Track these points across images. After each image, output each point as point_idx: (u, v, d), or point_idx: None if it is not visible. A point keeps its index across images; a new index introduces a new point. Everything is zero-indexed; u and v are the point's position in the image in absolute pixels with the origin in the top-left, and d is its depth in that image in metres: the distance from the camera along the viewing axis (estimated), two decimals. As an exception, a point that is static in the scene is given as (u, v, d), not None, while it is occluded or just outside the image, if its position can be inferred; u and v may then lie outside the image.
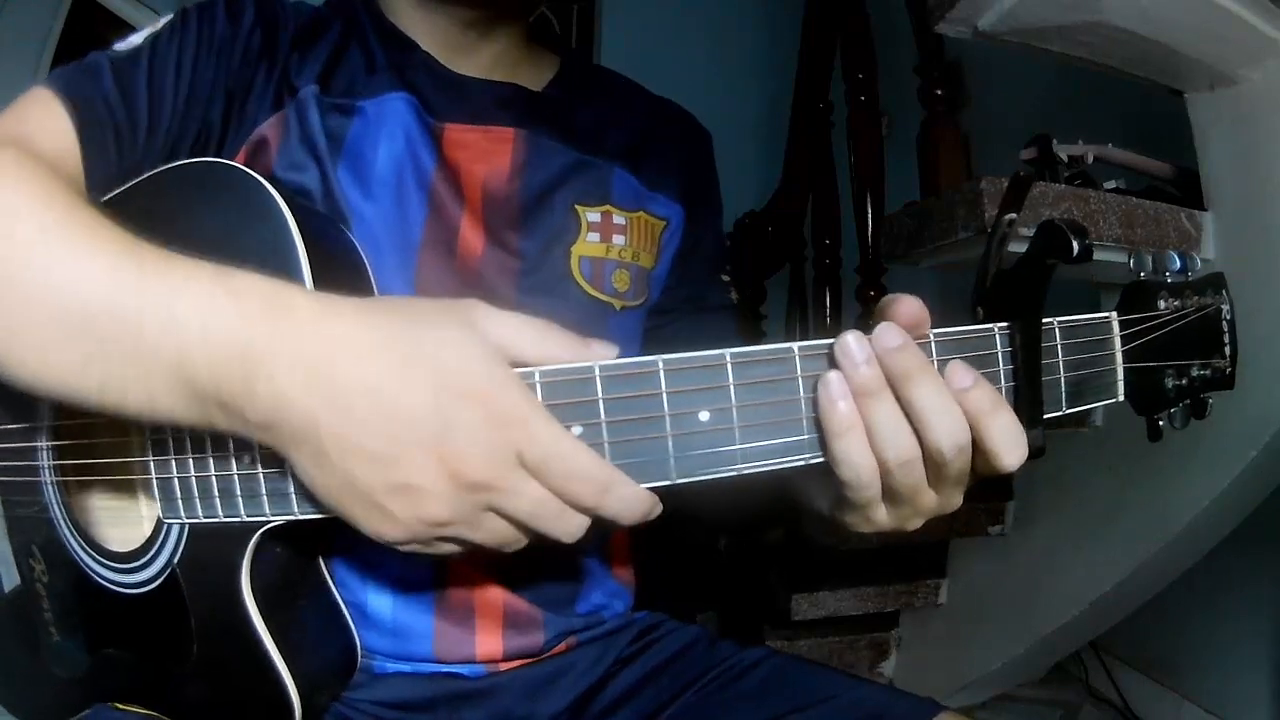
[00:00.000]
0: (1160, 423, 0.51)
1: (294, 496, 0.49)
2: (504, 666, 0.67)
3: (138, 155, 0.60)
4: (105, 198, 0.59)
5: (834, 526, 0.52)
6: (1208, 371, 0.50)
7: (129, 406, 0.46)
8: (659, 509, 0.45)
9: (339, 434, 0.42)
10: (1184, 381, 0.50)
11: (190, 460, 0.53)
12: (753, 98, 3.13)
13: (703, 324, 0.76)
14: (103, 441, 0.58)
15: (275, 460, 0.46)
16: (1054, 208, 1.17)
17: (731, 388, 0.44)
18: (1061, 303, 0.47)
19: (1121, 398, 0.50)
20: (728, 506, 0.70)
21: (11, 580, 0.68)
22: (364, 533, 0.45)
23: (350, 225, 0.63)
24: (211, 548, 0.54)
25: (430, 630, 0.64)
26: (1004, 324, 0.46)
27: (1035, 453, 0.45)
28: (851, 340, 0.43)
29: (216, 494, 0.52)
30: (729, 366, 0.44)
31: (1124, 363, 0.49)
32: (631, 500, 0.44)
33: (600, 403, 0.43)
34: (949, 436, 0.43)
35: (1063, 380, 0.47)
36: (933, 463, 0.44)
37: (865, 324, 0.45)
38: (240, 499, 0.51)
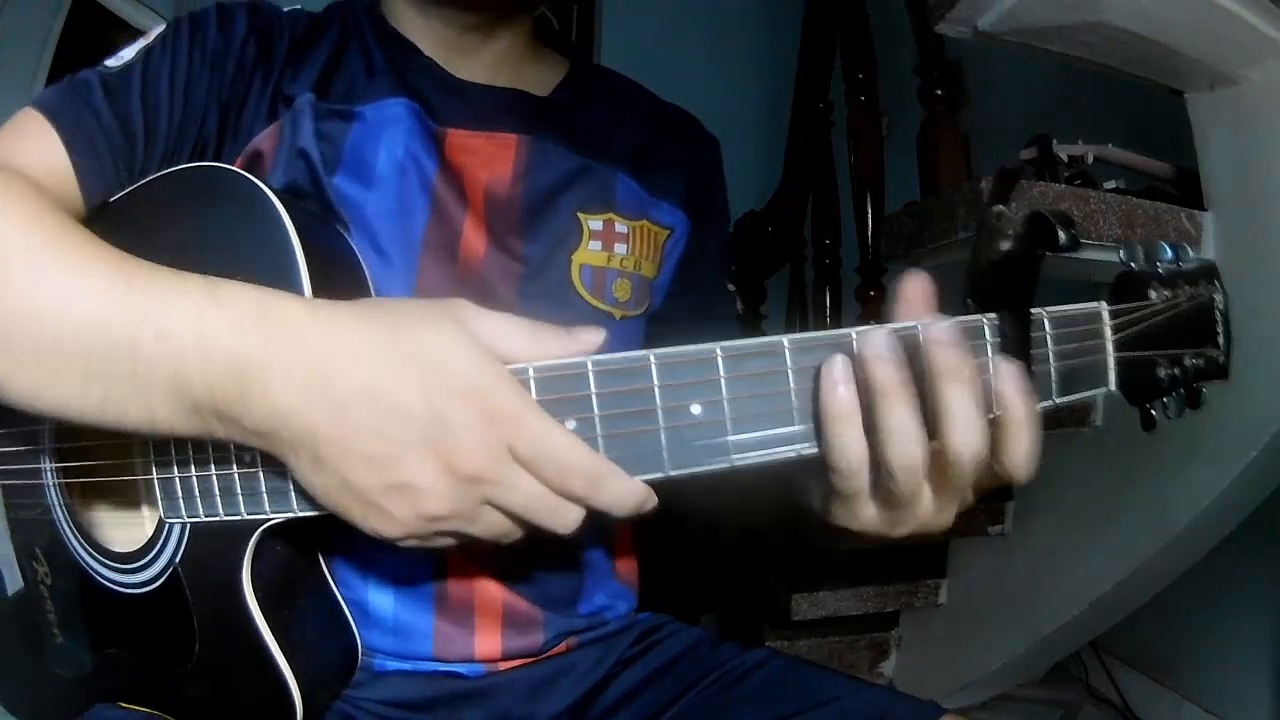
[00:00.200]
0: (1153, 412, 0.51)
1: (294, 494, 0.49)
2: (503, 666, 0.67)
3: (135, 171, 0.60)
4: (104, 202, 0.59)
5: (826, 526, 0.51)
6: (1201, 361, 0.50)
7: (129, 422, 0.46)
8: (653, 501, 0.45)
9: (335, 438, 0.43)
10: (1176, 371, 0.50)
11: (191, 461, 0.53)
12: (753, 98, 3.13)
13: (706, 334, 0.74)
14: (104, 443, 0.59)
15: (275, 459, 0.46)
16: (1054, 208, 1.17)
17: (722, 381, 0.44)
18: (1061, 302, 0.48)
19: (1113, 387, 0.50)
20: (737, 515, 0.69)
21: (14, 582, 0.68)
22: (363, 531, 0.45)
23: (350, 230, 0.63)
24: (213, 546, 0.54)
25: (430, 629, 0.64)
26: (994, 315, 0.47)
27: None
28: (884, 338, 0.42)
29: (217, 493, 0.52)
30: (719, 360, 0.44)
31: (1115, 352, 0.49)
32: (624, 492, 0.44)
33: (593, 398, 0.44)
34: (969, 446, 0.42)
35: (1053, 370, 0.47)
36: (943, 467, 0.43)
37: (865, 324, 0.45)
38: (241, 497, 0.51)
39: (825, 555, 1.71)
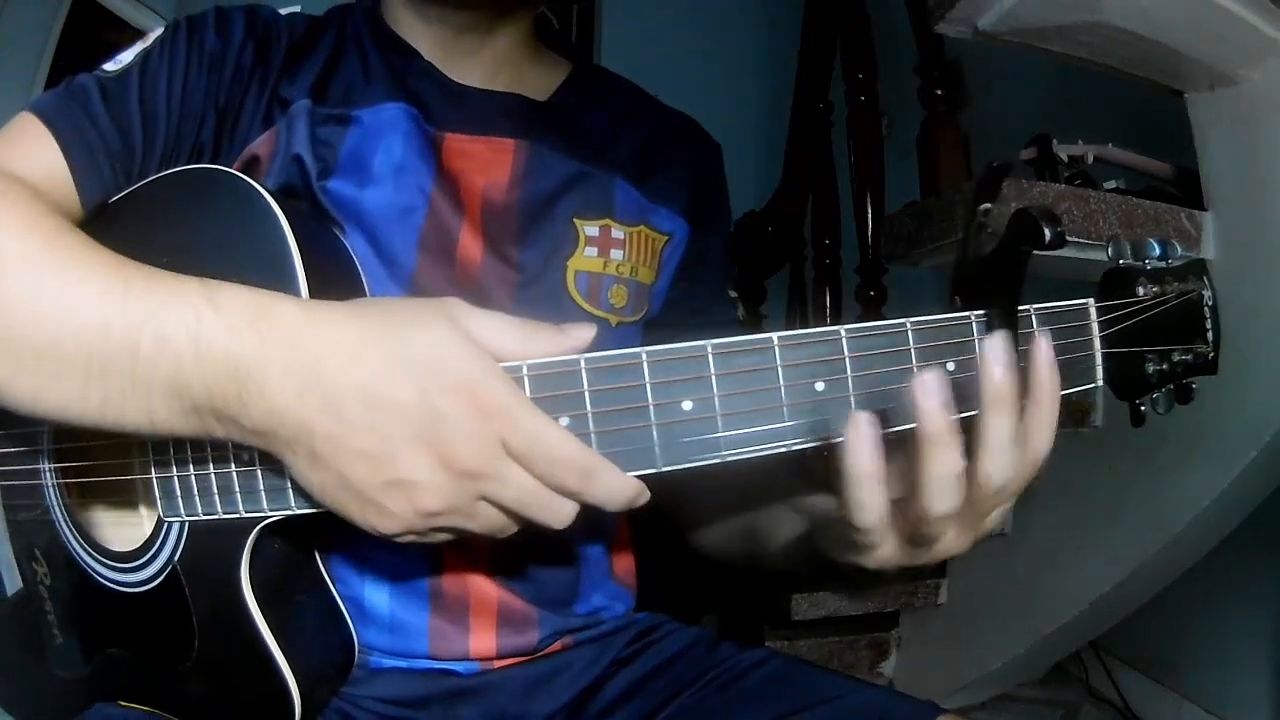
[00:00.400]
0: (1143, 408, 0.51)
1: (291, 492, 0.49)
2: (498, 665, 0.67)
3: (133, 175, 0.61)
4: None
5: (838, 567, 0.52)
6: (1190, 356, 0.50)
7: (128, 424, 0.47)
8: (645, 496, 0.46)
9: (332, 436, 0.43)
10: (1165, 366, 0.50)
11: (190, 460, 0.53)
12: (753, 98, 3.13)
13: (706, 339, 0.74)
14: (103, 444, 0.59)
15: (273, 457, 0.47)
16: (1054, 207, 1.17)
17: (713, 378, 0.45)
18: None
19: (1101, 382, 0.50)
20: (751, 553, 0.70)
21: (14, 583, 0.68)
22: (360, 528, 0.46)
23: (346, 233, 0.63)
24: (211, 545, 0.55)
25: (426, 627, 0.65)
26: (981, 312, 0.47)
27: None
28: (937, 383, 0.41)
29: (215, 491, 0.52)
30: (710, 357, 0.45)
31: (1102, 348, 0.49)
32: (616, 487, 0.45)
33: (586, 394, 0.45)
34: (1001, 472, 0.43)
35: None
36: (970, 494, 0.43)
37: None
38: (239, 495, 0.51)
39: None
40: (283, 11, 0.71)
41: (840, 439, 0.45)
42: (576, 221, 0.69)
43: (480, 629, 0.65)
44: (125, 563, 0.60)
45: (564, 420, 0.45)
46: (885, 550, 0.46)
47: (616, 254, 0.69)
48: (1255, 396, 1.13)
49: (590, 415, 0.45)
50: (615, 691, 0.69)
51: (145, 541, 0.58)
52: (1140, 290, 0.49)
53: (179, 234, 0.55)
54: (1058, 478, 1.51)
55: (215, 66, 0.64)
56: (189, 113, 0.63)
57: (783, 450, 0.46)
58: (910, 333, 0.46)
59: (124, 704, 0.62)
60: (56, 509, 0.64)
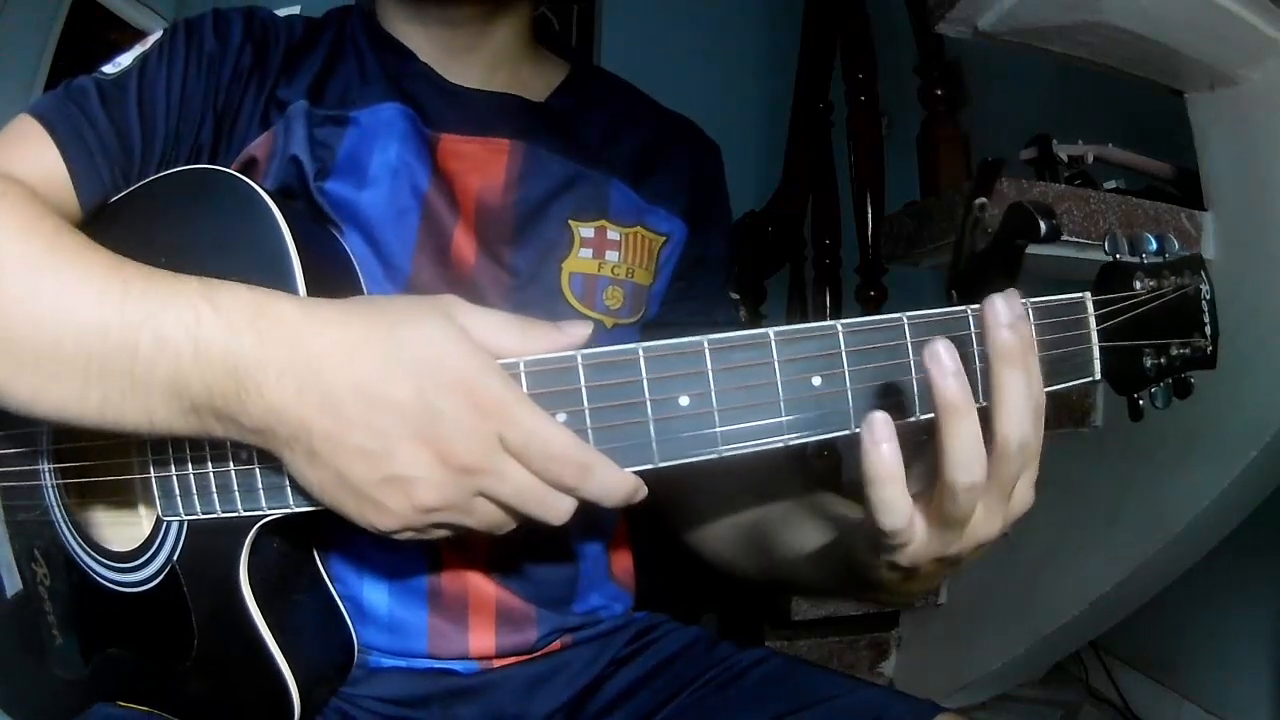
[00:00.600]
0: (1141, 403, 0.51)
1: (289, 490, 0.50)
2: (497, 664, 0.67)
3: (131, 177, 0.61)
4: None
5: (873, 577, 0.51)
6: (1187, 350, 0.50)
7: (127, 423, 0.47)
8: (643, 492, 0.46)
9: (329, 433, 0.44)
10: (1163, 361, 0.50)
11: (188, 459, 0.53)
12: (753, 98, 3.13)
13: None
14: (102, 444, 0.59)
15: (271, 455, 0.47)
16: (1054, 207, 1.16)
17: (710, 373, 0.45)
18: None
19: (1098, 376, 0.50)
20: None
21: (14, 584, 0.68)
22: (359, 525, 0.46)
23: (343, 233, 0.63)
24: (210, 544, 0.55)
25: (425, 626, 0.65)
26: (977, 305, 0.47)
27: None
28: (948, 351, 0.41)
29: (214, 490, 0.52)
30: (707, 353, 0.45)
31: (1099, 341, 0.49)
32: (614, 482, 0.45)
33: (583, 390, 0.45)
34: (1019, 429, 0.42)
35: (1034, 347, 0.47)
36: (992, 460, 0.43)
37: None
38: (238, 494, 0.51)
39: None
40: (282, 13, 0.71)
41: (842, 433, 0.45)
42: (572, 223, 0.69)
43: (479, 628, 0.65)
44: (124, 563, 0.60)
45: (561, 416, 0.45)
46: (917, 544, 0.45)
47: (612, 255, 0.69)
48: (1255, 396, 1.13)
49: (587, 411, 0.45)
50: (614, 691, 0.69)
51: (144, 541, 0.58)
52: (1137, 284, 0.49)
53: (178, 234, 0.55)
54: (1058, 478, 1.51)
55: (213, 68, 0.64)
56: (188, 114, 0.63)
57: (780, 445, 0.46)
58: (907, 327, 0.46)
59: (123, 704, 0.62)
60: (56, 509, 0.64)
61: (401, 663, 0.65)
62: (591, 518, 0.65)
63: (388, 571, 0.64)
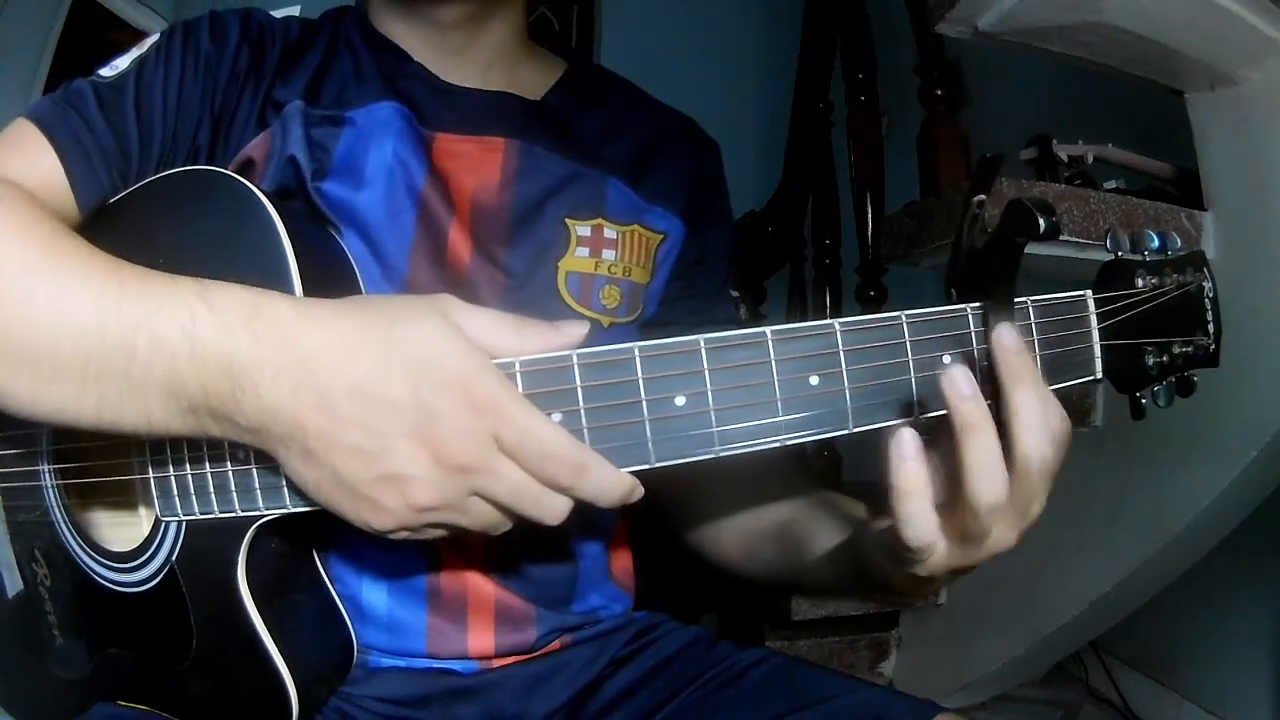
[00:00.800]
0: (1143, 401, 0.51)
1: (286, 490, 0.50)
2: (497, 663, 0.67)
3: (130, 179, 0.61)
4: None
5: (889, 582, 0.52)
6: (1190, 349, 0.50)
7: (125, 425, 0.47)
8: (639, 492, 0.46)
9: (324, 432, 0.44)
10: (1165, 359, 0.50)
11: (186, 459, 0.53)
12: (753, 98, 3.13)
13: None
14: (101, 445, 0.59)
15: (268, 456, 0.47)
16: (1054, 207, 1.16)
17: (706, 373, 0.45)
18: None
19: (1099, 375, 0.50)
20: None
21: (14, 585, 0.68)
22: (354, 524, 0.46)
23: (341, 234, 0.63)
24: (208, 544, 0.55)
25: (424, 626, 0.65)
26: (976, 304, 0.46)
27: None
28: (964, 376, 0.42)
29: (212, 490, 0.52)
30: (703, 352, 0.45)
31: (1100, 340, 0.49)
32: (609, 482, 0.45)
33: (579, 390, 0.45)
34: (1037, 449, 0.43)
35: (1038, 358, 0.47)
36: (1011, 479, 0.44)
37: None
38: (235, 494, 0.52)
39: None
40: (281, 13, 0.71)
41: (840, 433, 0.45)
42: (568, 221, 0.69)
43: (478, 628, 0.65)
44: (124, 563, 0.60)
45: (556, 416, 0.45)
46: (937, 557, 0.46)
47: (608, 254, 0.69)
48: (1255, 396, 1.13)
49: (583, 411, 0.45)
50: (614, 690, 0.69)
51: (143, 541, 0.59)
52: (1139, 282, 0.49)
53: (176, 235, 0.55)
54: (1058, 478, 1.51)
55: (210, 70, 0.64)
56: (185, 116, 0.63)
57: (777, 445, 0.46)
58: (905, 325, 0.46)
59: (123, 703, 0.62)
60: (56, 510, 0.64)
61: (401, 662, 0.65)
62: (590, 517, 0.64)
63: (387, 571, 0.64)
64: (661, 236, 0.73)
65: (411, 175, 0.65)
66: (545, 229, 0.68)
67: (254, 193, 0.53)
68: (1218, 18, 1.07)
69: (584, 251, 0.68)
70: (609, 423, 0.45)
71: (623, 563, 0.76)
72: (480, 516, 0.46)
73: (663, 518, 0.76)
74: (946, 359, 0.46)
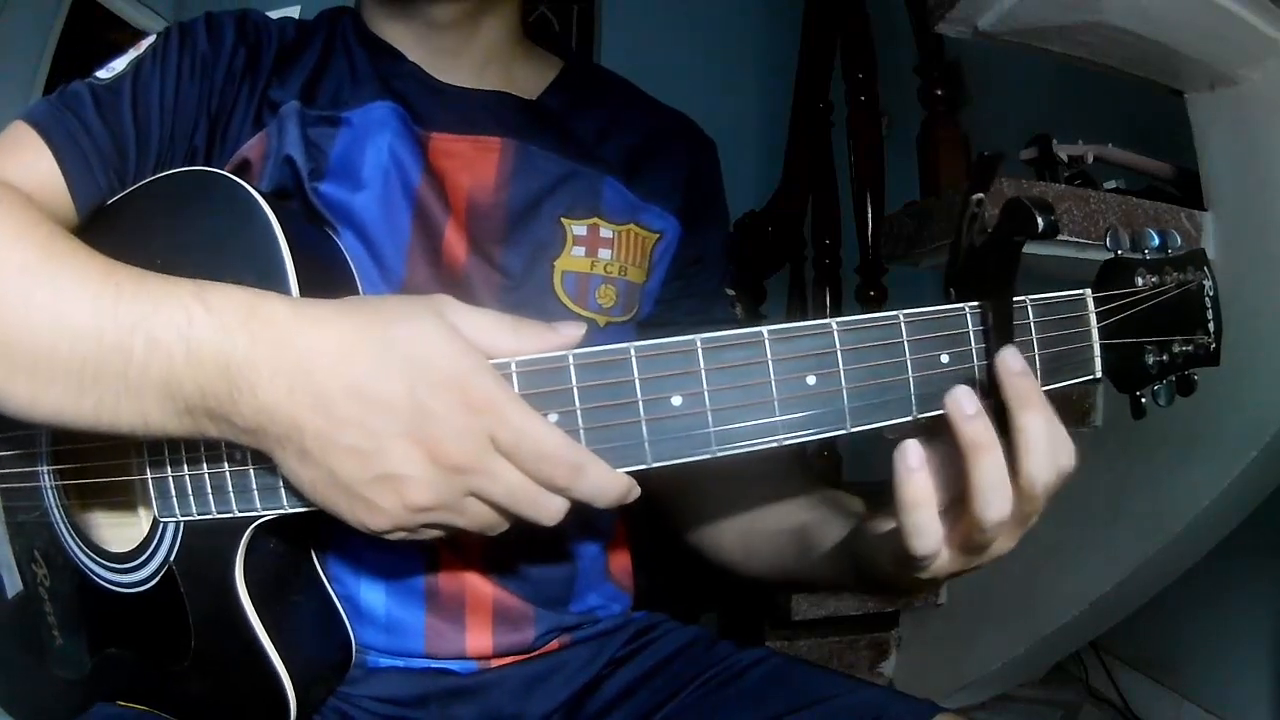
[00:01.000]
0: (1144, 400, 0.50)
1: (283, 490, 0.50)
2: (495, 663, 0.67)
3: (127, 181, 0.61)
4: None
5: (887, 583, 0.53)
6: (1190, 347, 0.50)
7: (122, 426, 0.47)
8: (636, 493, 0.46)
9: (321, 432, 0.44)
10: (1166, 358, 0.49)
11: (184, 459, 0.53)
12: (753, 98, 3.13)
13: None
14: (100, 445, 0.59)
15: (265, 456, 0.47)
16: (1055, 209, 1.16)
17: (703, 373, 0.45)
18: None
19: (1099, 374, 0.49)
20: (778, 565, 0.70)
21: (14, 585, 0.68)
22: (350, 525, 0.46)
23: (338, 234, 0.64)
24: (206, 544, 0.55)
25: (422, 625, 0.65)
26: (975, 303, 0.46)
27: None
28: (968, 396, 0.42)
29: (209, 490, 0.52)
30: (700, 352, 0.45)
31: (1100, 339, 0.49)
32: (606, 482, 0.45)
33: (575, 390, 0.45)
34: (1043, 471, 0.43)
35: (1037, 358, 0.47)
36: (1016, 496, 0.44)
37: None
38: (232, 494, 0.52)
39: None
40: (281, 13, 0.71)
41: (837, 432, 0.45)
42: (564, 221, 0.68)
43: (476, 627, 0.65)
44: (122, 563, 0.60)
45: (553, 416, 0.45)
46: (941, 562, 0.47)
47: (604, 253, 0.69)
48: (1255, 396, 1.13)
49: (579, 411, 0.45)
50: (613, 691, 0.69)
51: (141, 542, 0.59)
52: (1139, 280, 0.49)
53: (174, 236, 0.55)
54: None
55: (207, 71, 0.64)
56: (182, 117, 0.63)
57: (774, 445, 0.45)
58: (903, 325, 0.46)
59: (123, 704, 0.62)
60: (55, 511, 0.64)
61: (399, 662, 0.65)
62: (588, 517, 0.64)
63: (385, 571, 0.64)
64: (658, 236, 0.73)
65: (407, 175, 0.65)
66: (541, 228, 0.68)
67: (251, 194, 0.53)
68: (1218, 18, 1.07)
69: (580, 251, 0.68)
70: (605, 423, 0.45)
71: (621, 562, 0.76)
72: (477, 517, 0.46)
73: (662, 517, 0.76)
74: (945, 358, 0.46)
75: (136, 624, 0.60)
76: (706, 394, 0.45)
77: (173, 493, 0.54)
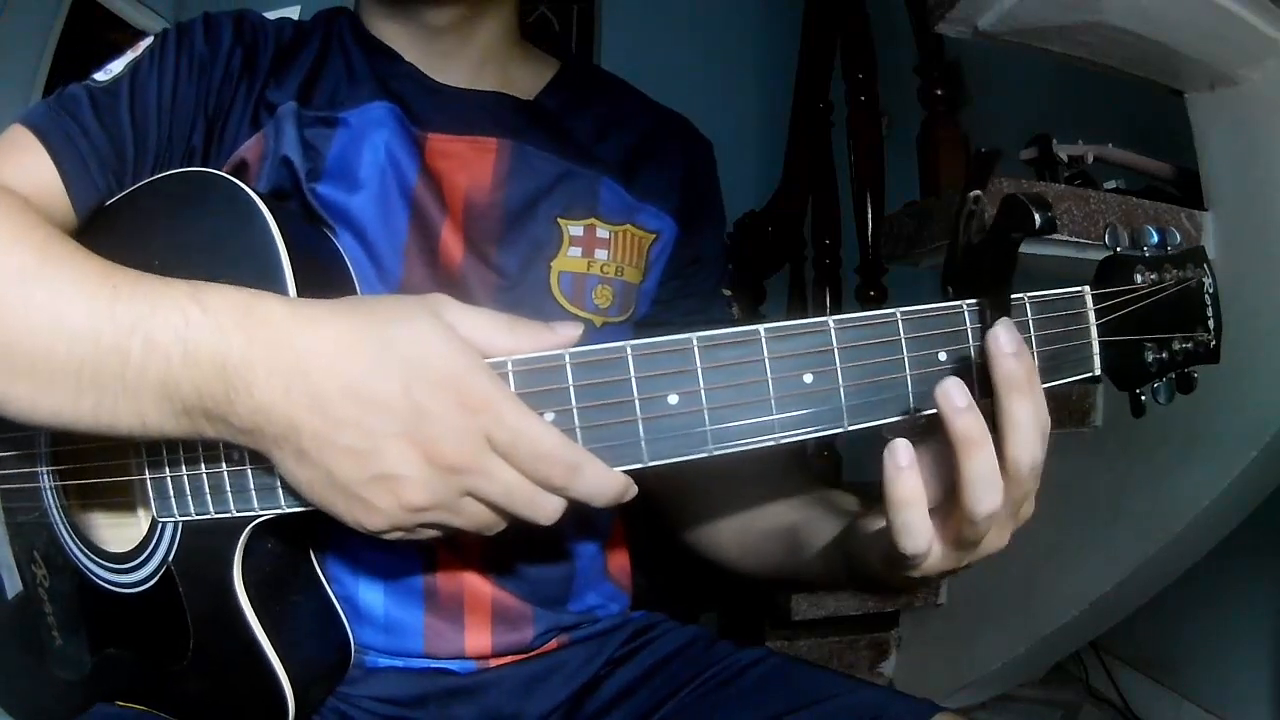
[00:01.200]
0: (1143, 398, 0.50)
1: (280, 490, 0.50)
2: (494, 663, 0.67)
3: (125, 182, 0.61)
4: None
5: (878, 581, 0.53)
6: (1190, 345, 0.49)
7: (121, 427, 0.47)
8: (633, 491, 0.46)
9: (317, 432, 0.44)
10: (1165, 355, 0.49)
11: (182, 460, 0.53)
12: (753, 98, 3.13)
13: None
14: (99, 446, 0.59)
15: (263, 457, 0.47)
16: (1054, 208, 1.16)
17: (699, 371, 0.45)
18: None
19: (1098, 371, 0.49)
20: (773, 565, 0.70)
21: (14, 586, 0.68)
22: (346, 524, 0.46)
23: (336, 234, 0.64)
24: (204, 544, 0.55)
25: (421, 625, 0.65)
26: (973, 300, 0.46)
27: None
28: (958, 388, 0.42)
29: (207, 491, 0.53)
30: (696, 350, 0.45)
31: (1099, 336, 0.48)
32: (602, 481, 0.45)
33: (571, 389, 0.45)
34: (1028, 452, 0.43)
35: (1036, 355, 0.47)
36: (1011, 485, 0.44)
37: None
38: (230, 494, 0.52)
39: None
40: (280, 14, 0.71)
41: (835, 430, 0.45)
42: (561, 221, 0.69)
43: (475, 627, 0.65)
44: (121, 564, 0.60)
45: (549, 415, 0.45)
46: (932, 560, 0.47)
47: (601, 254, 0.69)
48: (1255, 396, 1.13)
49: (575, 410, 0.45)
50: (612, 690, 0.69)
51: (140, 542, 0.59)
52: (1138, 277, 0.48)
53: (172, 236, 0.55)
54: (1058, 478, 1.50)
55: (204, 72, 0.64)
56: (179, 119, 0.63)
57: (771, 443, 0.45)
58: (900, 323, 0.45)
59: (123, 704, 0.62)
60: (54, 512, 0.64)
61: (398, 662, 0.65)
62: (587, 517, 0.64)
63: (384, 572, 0.64)
64: (654, 236, 0.73)
65: (404, 175, 0.65)
66: (538, 229, 0.68)
67: (249, 194, 0.53)
68: (1218, 18, 1.07)
69: (577, 251, 0.68)
70: (602, 422, 0.45)
71: (620, 562, 0.76)
72: (473, 517, 0.46)
73: (657, 516, 0.76)
74: (943, 356, 0.46)
75: (136, 624, 0.60)
76: (703, 392, 0.45)
77: (171, 493, 0.54)
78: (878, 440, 0.46)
